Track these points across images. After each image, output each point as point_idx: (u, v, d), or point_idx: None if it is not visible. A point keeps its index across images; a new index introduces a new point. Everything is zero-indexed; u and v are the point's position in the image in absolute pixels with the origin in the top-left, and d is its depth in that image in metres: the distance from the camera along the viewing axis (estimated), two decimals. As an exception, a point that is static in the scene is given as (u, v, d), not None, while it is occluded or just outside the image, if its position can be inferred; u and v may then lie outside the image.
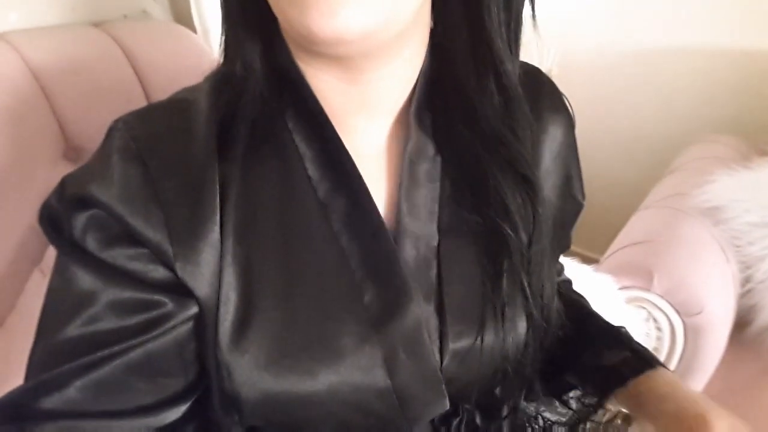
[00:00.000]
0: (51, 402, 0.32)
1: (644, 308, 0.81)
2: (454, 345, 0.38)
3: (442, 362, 0.38)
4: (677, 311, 0.79)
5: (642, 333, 0.81)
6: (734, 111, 1.35)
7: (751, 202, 0.92)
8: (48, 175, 0.65)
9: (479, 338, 0.38)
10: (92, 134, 0.72)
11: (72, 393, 0.32)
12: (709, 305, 0.79)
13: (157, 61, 0.78)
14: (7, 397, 0.32)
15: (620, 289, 0.81)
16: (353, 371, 0.35)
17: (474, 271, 0.40)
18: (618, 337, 0.49)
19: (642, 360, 0.46)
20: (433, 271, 0.39)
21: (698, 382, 0.86)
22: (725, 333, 0.85)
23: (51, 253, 0.66)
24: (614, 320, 0.78)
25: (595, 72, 1.53)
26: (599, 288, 0.79)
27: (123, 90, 0.73)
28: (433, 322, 0.38)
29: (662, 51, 1.42)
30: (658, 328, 0.82)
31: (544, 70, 1.56)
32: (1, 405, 0.32)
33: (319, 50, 0.33)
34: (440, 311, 0.38)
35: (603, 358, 0.46)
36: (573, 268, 0.81)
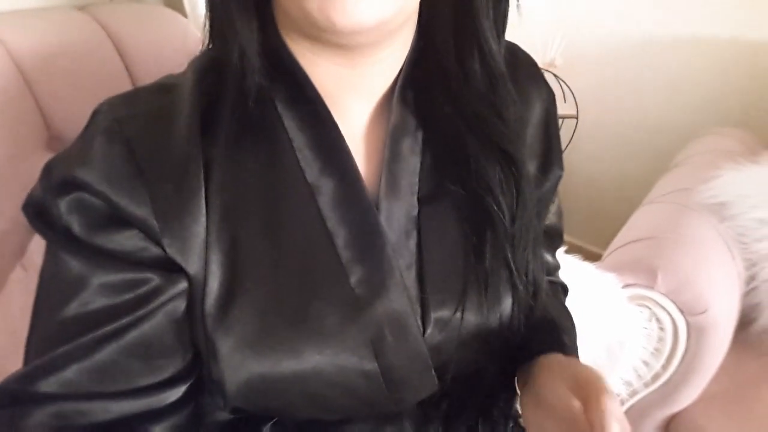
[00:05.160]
0: (48, 385, 0.32)
1: (647, 307, 0.79)
2: (436, 313, 0.38)
3: (425, 331, 0.38)
4: (681, 310, 0.77)
5: (644, 333, 0.79)
6: (742, 103, 1.32)
7: (758, 198, 0.90)
8: (30, 166, 0.63)
9: (460, 307, 0.38)
10: (76, 123, 0.69)
11: (69, 375, 0.32)
12: (714, 304, 0.77)
13: (145, 47, 0.75)
14: (5, 382, 0.33)
15: (623, 287, 0.79)
16: (339, 352, 0.35)
17: (456, 239, 0.40)
18: (552, 328, 0.47)
19: (556, 344, 0.44)
20: (413, 241, 0.39)
21: (700, 381, 0.85)
22: (729, 332, 0.83)
23: (33, 248, 0.64)
24: (615, 320, 0.77)
25: (599, 63, 1.50)
26: (601, 286, 0.77)
27: (108, 77, 0.70)
28: (414, 290, 0.38)
29: (668, 42, 1.38)
30: (661, 328, 0.80)
31: (547, 61, 1.52)
32: None
33: (332, 40, 0.34)
34: (421, 279, 0.38)
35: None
36: (574, 266, 0.79)
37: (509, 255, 0.40)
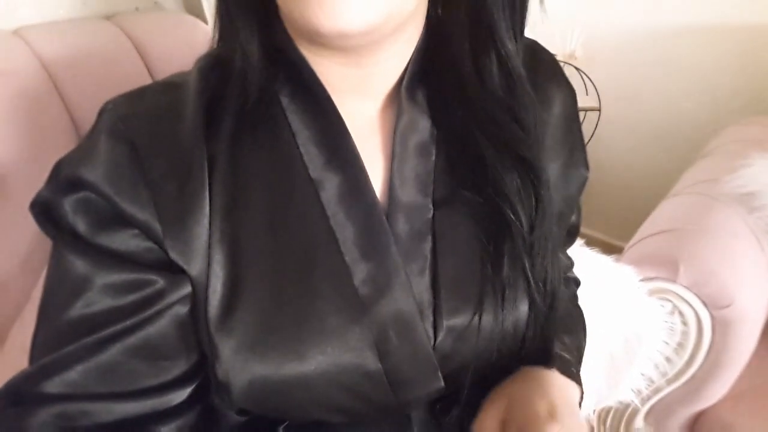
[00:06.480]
0: (52, 385, 0.32)
1: (669, 300, 0.77)
2: (448, 321, 0.37)
3: (436, 339, 0.37)
4: (705, 304, 0.75)
5: (666, 327, 0.78)
6: (773, 90, 1.27)
7: (789, 188, 0.87)
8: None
9: (477, 316, 0.37)
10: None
11: (73, 376, 0.32)
12: (740, 297, 0.75)
13: (168, 53, 0.79)
14: (10, 383, 0.33)
15: (643, 280, 0.77)
16: (342, 352, 0.35)
17: (471, 246, 0.39)
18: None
19: (544, 359, 0.43)
20: (428, 245, 0.38)
21: (728, 378, 0.82)
22: (758, 327, 0.80)
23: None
24: (632, 313, 0.75)
25: (622, 53, 1.46)
26: (619, 280, 0.76)
27: (134, 82, 0.73)
28: (427, 296, 0.38)
29: (692, 29, 1.34)
30: (684, 323, 0.78)
31: (567, 53, 1.49)
32: (3, 390, 0.33)
33: (321, 42, 0.33)
34: (434, 285, 0.38)
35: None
36: (592, 260, 0.78)
37: (527, 265, 0.39)
